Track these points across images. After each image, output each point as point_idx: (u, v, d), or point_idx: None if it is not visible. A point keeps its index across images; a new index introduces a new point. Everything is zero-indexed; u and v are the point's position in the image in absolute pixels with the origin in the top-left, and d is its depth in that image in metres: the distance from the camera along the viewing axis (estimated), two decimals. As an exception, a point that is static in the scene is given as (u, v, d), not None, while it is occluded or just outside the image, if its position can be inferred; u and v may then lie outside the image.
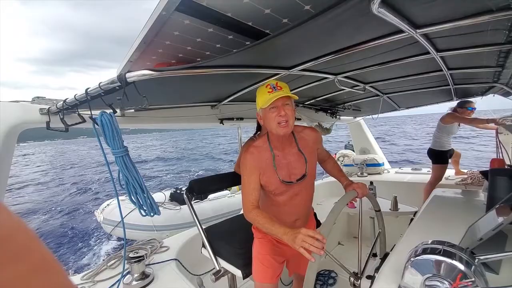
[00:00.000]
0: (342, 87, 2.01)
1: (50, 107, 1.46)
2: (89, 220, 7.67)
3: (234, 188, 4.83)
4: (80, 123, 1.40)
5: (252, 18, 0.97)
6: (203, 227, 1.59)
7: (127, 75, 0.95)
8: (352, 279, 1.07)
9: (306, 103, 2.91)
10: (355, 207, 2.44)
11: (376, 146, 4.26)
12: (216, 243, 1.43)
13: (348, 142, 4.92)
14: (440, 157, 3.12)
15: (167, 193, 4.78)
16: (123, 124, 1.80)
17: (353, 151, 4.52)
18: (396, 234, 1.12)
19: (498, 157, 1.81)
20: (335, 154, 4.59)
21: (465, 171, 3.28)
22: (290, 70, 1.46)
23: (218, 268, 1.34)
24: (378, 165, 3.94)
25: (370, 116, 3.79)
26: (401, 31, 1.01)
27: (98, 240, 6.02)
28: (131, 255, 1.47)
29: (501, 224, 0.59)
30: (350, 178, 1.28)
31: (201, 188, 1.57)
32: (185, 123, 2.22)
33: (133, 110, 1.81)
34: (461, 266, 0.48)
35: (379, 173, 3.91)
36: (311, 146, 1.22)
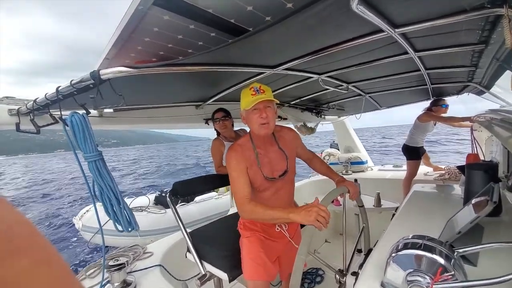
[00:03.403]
0: (326, 87, 2.04)
1: (19, 108, 1.37)
2: (67, 227, 7.27)
3: (222, 189, 4.76)
4: (52, 124, 1.31)
5: (234, 15, 0.95)
6: (191, 230, 1.54)
7: (101, 72, 0.90)
8: (338, 276, 1.08)
9: (292, 103, 2.93)
10: (341, 205, 2.48)
11: (359, 144, 4.37)
12: (201, 246, 1.39)
13: (333, 141, 5.01)
14: (413, 153, 3.27)
15: (152, 196, 4.61)
16: (101, 125, 1.71)
17: (338, 149, 4.61)
18: (380, 229, 1.14)
19: (473, 153, 1.91)
20: (321, 153, 4.66)
21: (443, 167, 3.44)
22: (274, 69, 1.46)
23: (203, 273, 1.30)
24: (362, 163, 4.05)
25: (354, 115, 3.89)
26: (380, 31, 1.03)
27: (77, 249, 5.72)
28: (111, 263, 1.40)
29: (478, 217, 0.61)
30: None
31: (185, 190, 1.52)
32: (169, 124, 2.15)
33: (111, 110, 1.72)
34: (441, 260, 0.49)
35: (363, 171, 4.01)
36: (290, 144, 1.28)
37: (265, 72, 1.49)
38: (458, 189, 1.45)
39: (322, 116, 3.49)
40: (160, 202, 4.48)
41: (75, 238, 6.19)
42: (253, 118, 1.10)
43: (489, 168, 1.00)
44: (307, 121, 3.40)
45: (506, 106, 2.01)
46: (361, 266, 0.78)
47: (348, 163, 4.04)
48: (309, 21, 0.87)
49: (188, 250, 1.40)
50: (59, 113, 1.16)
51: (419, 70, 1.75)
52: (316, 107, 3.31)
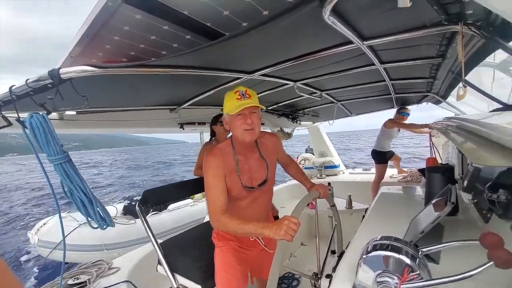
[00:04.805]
0: (301, 94, 2.10)
1: None
2: (20, 243, 6.45)
3: (197, 196, 4.62)
4: (4, 126, 1.17)
5: (210, 19, 0.94)
6: (163, 240, 1.46)
7: (62, 70, 0.82)
8: (312, 280, 1.09)
9: (269, 108, 2.97)
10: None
11: (332, 149, 4.56)
12: (173, 258, 1.31)
13: (308, 146, 5.16)
14: (381, 157, 3.54)
15: (120, 206, 4.28)
16: (61, 129, 1.57)
17: (313, 154, 4.77)
18: (352, 230, 1.19)
19: (432, 157, 2.09)
20: (297, 157, 4.78)
21: (406, 169, 3.75)
22: (251, 75, 1.47)
23: (175, 286, 1.23)
24: (335, 167, 4.23)
25: (327, 122, 4.07)
26: (350, 42, 1.09)
27: (32, 267, 5.10)
28: (70, 282, 1.26)
29: (438, 216, 0.66)
30: (311, 180, 1.33)
31: (157, 198, 1.43)
32: (140, 128, 2.04)
33: (74, 113, 1.59)
34: (407, 260, 0.51)
35: (335, 174, 4.20)
36: (271, 151, 1.25)
37: (242, 77, 1.49)
38: (420, 191, 1.57)
39: (298, 121, 3.58)
40: (129, 211, 4.20)
41: (30, 255, 5.52)
42: (237, 124, 1.05)
43: (446, 171, 1.10)
44: (284, 126, 3.47)
45: (460, 115, 2.24)
46: (334, 269, 0.80)
47: (322, 167, 4.19)
48: (285, 29, 0.89)
49: (159, 263, 1.32)
50: (13, 114, 1.03)
51: (384, 80, 1.89)
52: (292, 113, 3.39)
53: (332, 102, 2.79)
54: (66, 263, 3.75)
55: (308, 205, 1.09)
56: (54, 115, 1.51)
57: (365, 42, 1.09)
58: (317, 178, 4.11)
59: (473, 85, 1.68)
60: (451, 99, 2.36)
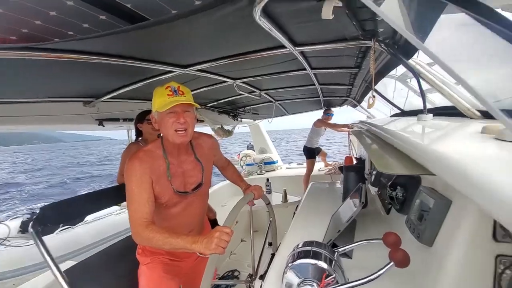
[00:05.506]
0: (241, 92, 2.10)
1: None
2: None
3: (125, 202, 4.01)
4: None
5: (132, 0, 0.80)
6: (78, 261, 1.20)
7: None
8: (247, 284, 1.09)
9: (209, 105, 2.86)
10: (255, 204, 2.63)
11: (271, 145, 4.81)
12: (86, 284, 1.09)
13: (250, 143, 5.29)
14: (310, 153, 4.02)
15: (15, 222, 3.22)
16: None
17: (254, 150, 4.91)
18: (287, 222, 1.25)
19: (350, 154, 2.42)
20: (239, 154, 4.83)
21: (331, 163, 4.31)
22: (185, 69, 1.36)
23: None
24: (273, 162, 4.48)
25: (267, 120, 4.26)
26: (284, 46, 1.12)
27: None
28: None
29: (352, 216, 0.75)
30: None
31: (61, 215, 1.13)
32: (41, 125, 1.62)
33: None
34: (325, 265, 0.55)
35: (274, 170, 4.45)
36: (207, 154, 1.18)
37: (175, 72, 1.36)
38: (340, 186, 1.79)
39: (239, 119, 3.60)
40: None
41: None
42: (168, 122, 0.95)
43: (359, 170, 1.28)
44: (225, 123, 3.42)
45: (370, 118, 2.68)
46: (266, 272, 0.81)
47: (262, 163, 4.37)
48: (218, 23, 0.84)
49: None
50: None
51: (314, 84, 2.07)
52: (233, 110, 3.38)
53: (271, 102, 2.90)
54: None
55: (248, 202, 1.11)
56: None
57: (297, 48, 1.14)
58: (257, 174, 4.25)
59: (380, 93, 2.02)
60: (364, 104, 2.81)
